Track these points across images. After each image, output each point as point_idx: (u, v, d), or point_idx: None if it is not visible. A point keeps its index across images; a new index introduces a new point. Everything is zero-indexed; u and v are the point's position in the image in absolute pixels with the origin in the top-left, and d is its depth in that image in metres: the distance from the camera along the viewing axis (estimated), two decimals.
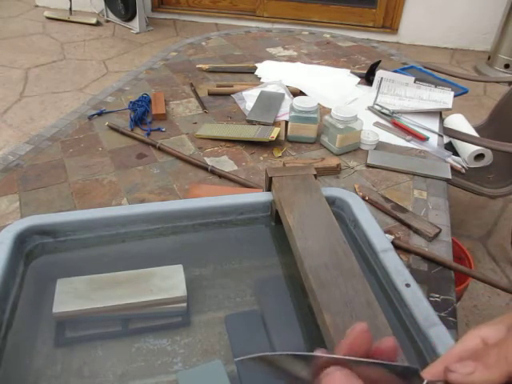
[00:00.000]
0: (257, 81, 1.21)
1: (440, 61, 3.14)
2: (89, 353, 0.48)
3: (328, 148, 0.92)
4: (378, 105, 1.08)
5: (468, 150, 1.41)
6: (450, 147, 1.48)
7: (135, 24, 3.43)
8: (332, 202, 0.60)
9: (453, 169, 0.90)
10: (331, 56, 1.41)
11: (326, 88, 1.17)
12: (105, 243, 0.57)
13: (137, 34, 3.43)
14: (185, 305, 0.52)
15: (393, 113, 1.05)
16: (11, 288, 0.49)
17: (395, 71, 1.23)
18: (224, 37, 1.52)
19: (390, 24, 3.34)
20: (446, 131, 1.15)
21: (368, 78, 1.22)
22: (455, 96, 1.13)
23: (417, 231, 0.71)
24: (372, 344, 0.29)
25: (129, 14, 3.38)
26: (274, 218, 0.60)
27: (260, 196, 0.61)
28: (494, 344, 0.26)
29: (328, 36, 1.59)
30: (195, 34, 3.28)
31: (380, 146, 0.94)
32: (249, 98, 1.08)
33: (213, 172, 0.83)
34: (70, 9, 3.53)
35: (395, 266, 0.50)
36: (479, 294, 1.55)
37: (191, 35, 3.08)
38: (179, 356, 0.48)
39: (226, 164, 0.86)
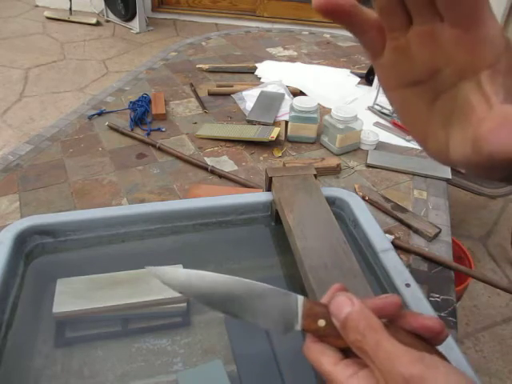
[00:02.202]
0: (257, 81, 1.21)
1: None
2: (89, 353, 0.48)
3: (328, 148, 0.92)
4: (378, 105, 1.08)
5: None
6: None
7: (135, 24, 3.43)
8: (332, 202, 0.60)
9: (453, 169, 0.90)
10: (331, 56, 1.41)
11: (326, 88, 1.17)
12: (105, 243, 0.57)
13: (137, 33, 3.43)
14: (185, 305, 0.52)
15: (393, 113, 1.05)
16: (11, 288, 0.49)
17: None
18: (224, 37, 1.52)
19: None
20: None
21: (368, 78, 1.22)
22: None
23: (417, 231, 0.71)
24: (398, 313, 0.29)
25: (129, 13, 3.38)
26: (273, 218, 0.60)
27: (260, 196, 0.61)
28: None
29: (328, 36, 1.59)
30: (195, 34, 3.28)
31: (380, 146, 0.94)
32: (249, 98, 1.08)
33: (213, 172, 0.83)
34: (70, 9, 3.53)
35: (395, 266, 0.50)
36: (479, 294, 1.55)
37: (191, 35, 3.08)
38: (179, 356, 0.48)
39: (225, 164, 0.86)
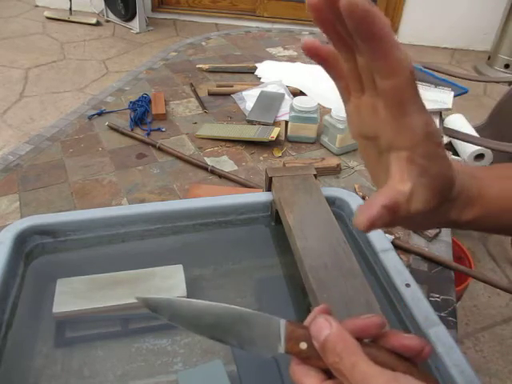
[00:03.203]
0: (257, 81, 1.21)
1: (440, 61, 3.14)
2: (89, 353, 0.48)
3: (328, 148, 0.92)
4: None
5: (468, 150, 1.42)
6: (450, 147, 1.48)
7: (135, 24, 3.43)
8: (332, 202, 0.60)
9: None
10: None
11: (326, 88, 1.17)
12: (105, 243, 0.57)
13: (137, 34, 3.43)
14: None
15: None
16: (11, 288, 0.49)
17: None
18: (224, 37, 1.52)
19: (390, 24, 3.34)
20: (446, 131, 1.15)
21: None
22: (455, 96, 1.13)
23: (417, 231, 0.71)
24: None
25: (129, 13, 3.38)
26: (273, 217, 0.60)
27: (260, 196, 0.61)
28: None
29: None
30: (195, 34, 3.28)
31: None
32: (249, 98, 1.08)
33: (213, 172, 0.83)
34: (70, 9, 3.53)
35: (395, 266, 0.50)
36: (479, 294, 1.55)
37: (191, 35, 3.08)
38: (179, 356, 0.48)
39: (225, 164, 0.86)
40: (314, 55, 0.29)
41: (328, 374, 0.29)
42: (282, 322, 0.30)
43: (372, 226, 0.26)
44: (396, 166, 0.28)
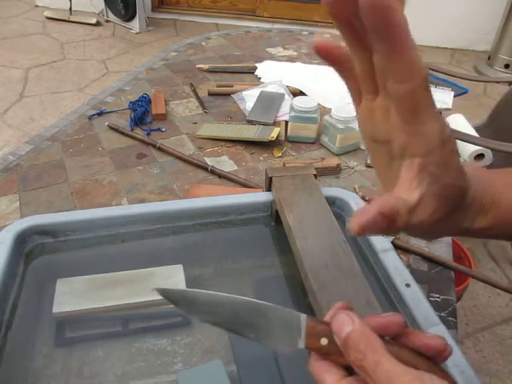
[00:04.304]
0: (257, 81, 1.21)
1: (440, 61, 3.14)
2: (89, 353, 0.48)
3: (328, 148, 0.92)
4: None
5: (468, 150, 1.41)
6: None
7: (135, 24, 3.43)
8: (332, 202, 0.60)
9: None
10: None
11: (326, 88, 1.17)
12: (105, 243, 0.57)
13: (137, 33, 3.43)
14: None
15: None
16: (11, 288, 0.49)
17: None
18: (224, 37, 1.52)
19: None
20: None
21: None
22: (455, 96, 1.13)
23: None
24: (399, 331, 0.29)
25: (129, 13, 3.38)
26: (273, 217, 0.60)
27: (260, 196, 0.61)
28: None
29: (328, 36, 1.58)
30: (195, 34, 3.28)
31: None
32: (249, 98, 1.08)
33: (213, 172, 0.83)
34: (70, 9, 3.54)
35: (395, 266, 0.50)
36: (479, 294, 1.55)
37: (191, 35, 3.08)
38: (179, 356, 0.48)
39: (225, 164, 0.86)
40: (325, 55, 0.27)
41: (348, 370, 0.28)
42: (303, 317, 0.30)
43: (363, 231, 0.25)
44: (406, 174, 0.27)
